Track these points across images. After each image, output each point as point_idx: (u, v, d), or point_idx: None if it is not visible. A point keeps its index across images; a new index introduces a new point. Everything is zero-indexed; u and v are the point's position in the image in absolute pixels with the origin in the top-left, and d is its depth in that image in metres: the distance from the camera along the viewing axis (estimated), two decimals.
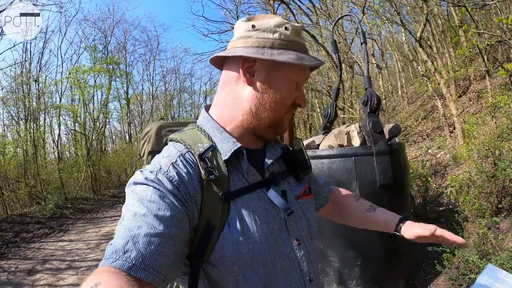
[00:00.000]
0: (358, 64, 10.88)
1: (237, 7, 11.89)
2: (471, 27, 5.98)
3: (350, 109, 9.34)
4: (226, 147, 0.89)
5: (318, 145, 3.31)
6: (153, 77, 28.89)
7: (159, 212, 0.72)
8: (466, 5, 4.76)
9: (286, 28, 0.90)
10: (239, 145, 0.89)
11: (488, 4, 5.56)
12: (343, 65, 9.79)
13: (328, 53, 9.19)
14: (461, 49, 6.08)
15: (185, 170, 0.82)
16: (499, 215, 4.14)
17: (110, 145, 24.30)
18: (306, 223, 0.99)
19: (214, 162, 0.86)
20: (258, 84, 0.91)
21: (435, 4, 7.69)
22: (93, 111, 16.92)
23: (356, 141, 3.32)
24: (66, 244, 6.81)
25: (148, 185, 0.78)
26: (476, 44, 5.23)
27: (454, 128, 7.34)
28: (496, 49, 6.52)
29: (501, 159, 4.27)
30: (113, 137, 25.21)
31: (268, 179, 0.94)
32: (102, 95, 18.61)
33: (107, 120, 19.99)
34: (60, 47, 17.68)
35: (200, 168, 0.83)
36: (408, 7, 10.79)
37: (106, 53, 20.58)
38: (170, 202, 0.76)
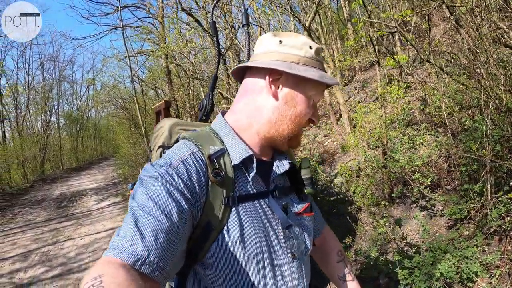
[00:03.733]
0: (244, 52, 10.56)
1: None
2: (364, 17, 6.01)
3: (234, 99, 9.06)
4: (238, 153, 0.91)
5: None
6: (29, 65, 25.50)
7: (166, 208, 0.73)
8: None
9: (310, 47, 0.96)
10: (250, 152, 0.92)
11: None
12: (229, 52, 9.31)
13: (213, 39, 8.70)
14: (350, 40, 6.10)
15: (194, 168, 0.84)
16: (392, 204, 4.12)
17: None
18: (303, 239, 1.01)
19: (223, 165, 0.88)
20: (281, 96, 0.95)
21: None
22: None
23: None
24: None
25: (157, 179, 0.79)
26: (368, 34, 5.20)
27: (341, 116, 7.48)
28: (380, 42, 6.72)
29: (393, 149, 4.25)
30: None
31: (272, 190, 0.96)
32: None
33: None
34: None
35: (209, 168, 0.86)
36: None
37: None
38: (177, 198, 0.77)
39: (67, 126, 29.85)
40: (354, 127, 6.41)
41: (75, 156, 28.76)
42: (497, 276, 2.52)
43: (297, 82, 0.94)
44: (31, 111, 24.56)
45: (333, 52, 10.28)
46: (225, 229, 0.84)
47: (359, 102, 7.46)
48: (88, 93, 32.42)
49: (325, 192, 5.06)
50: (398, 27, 4.62)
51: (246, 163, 0.92)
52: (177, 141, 1.00)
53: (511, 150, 2.98)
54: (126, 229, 0.69)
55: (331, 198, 4.94)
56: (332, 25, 11.06)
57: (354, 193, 4.58)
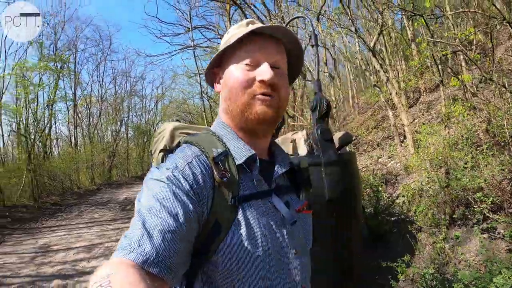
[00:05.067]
0: (311, 72, 10.83)
1: (190, 9, 11.55)
2: (427, 36, 6.00)
3: (300, 117, 9.22)
4: (241, 153, 0.94)
5: None
6: (103, 79, 27.69)
7: (172, 210, 0.75)
8: (424, 15, 4.71)
9: (237, 28, 1.01)
10: (253, 152, 0.94)
11: (445, 15, 5.60)
12: None
13: None
14: (414, 60, 6.10)
15: (199, 170, 0.87)
16: (453, 225, 4.06)
17: (56, 148, 22.90)
18: (304, 236, 1.03)
19: (227, 166, 0.90)
20: (222, 83, 1.01)
21: (390, 12, 7.72)
22: (36, 111, 15.76)
23: (303, 150, 3.09)
24: None
25: (163, 181, 0.81)
26: (432, 53, 5.21)
27: (405, 138, 7.38)
28: (445, 62, 6.62)
29: (455, 168, 4.21)
30: (59, 140, 23.54)
31: (274, 189, 0.98)
32: (49, 95, 17.41)
33: (52, 122, 18.92)
34: (5, 40, 15.18)
35: (214, 170, 0.88)
36: (363, 19, 10.88)
37: (54, 50, 19.36)
38: (183, 200, 0.78)
39: (135, 137, 31.51)
40: (418, 148, 6.35)
41: (140, 165, 30.16)
42: None
43: (224, 63, 1.00)
44: (102, 120, 26.61)
45: (398, 73, 10.18)
46: (232, 228, 0.86)
47: (423, 123, 7.33)
48: (156, 107, 34.00)
49: (386, 212, 5.06)
50: (460, 45, 4.61)
51: (249, 162, 0.94)
52: (178, 144, 1.03)
53: None
54: (133, 231, 0.72)
55: (392, 218, 4.93)
56: (396, 45, 10.96)
57: (415, 213, 4.55)
